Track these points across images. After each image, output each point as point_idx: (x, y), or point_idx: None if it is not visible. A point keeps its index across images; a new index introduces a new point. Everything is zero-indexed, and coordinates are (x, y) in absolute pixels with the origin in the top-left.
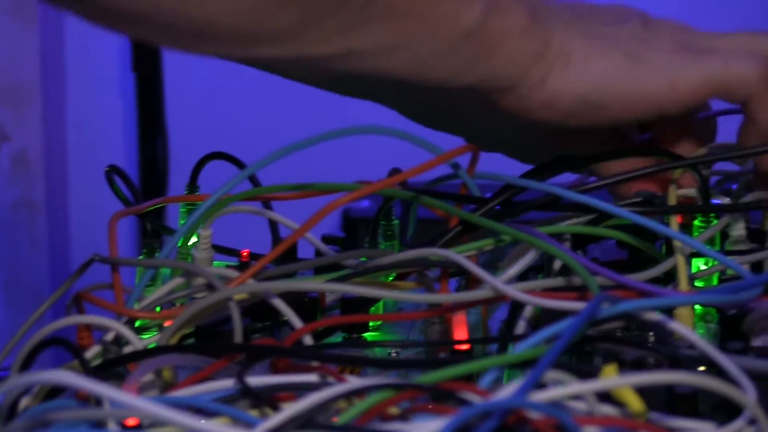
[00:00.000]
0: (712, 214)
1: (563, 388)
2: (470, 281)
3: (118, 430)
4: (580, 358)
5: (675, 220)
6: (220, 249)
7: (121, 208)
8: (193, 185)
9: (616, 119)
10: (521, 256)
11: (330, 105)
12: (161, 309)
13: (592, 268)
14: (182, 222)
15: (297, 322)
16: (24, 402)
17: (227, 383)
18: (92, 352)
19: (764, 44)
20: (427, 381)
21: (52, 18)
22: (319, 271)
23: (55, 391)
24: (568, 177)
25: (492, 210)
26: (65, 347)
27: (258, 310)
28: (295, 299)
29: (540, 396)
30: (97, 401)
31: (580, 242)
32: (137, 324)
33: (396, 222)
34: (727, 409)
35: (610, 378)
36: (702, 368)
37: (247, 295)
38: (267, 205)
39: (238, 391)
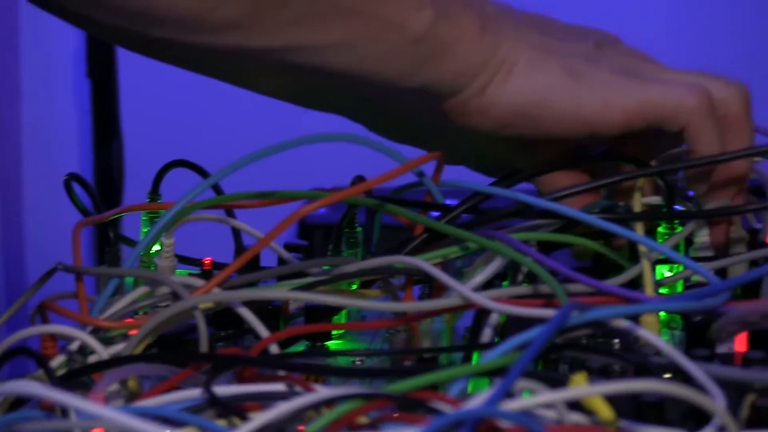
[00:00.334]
0: (676, 221)
1: (534, 396)
2: (434, 289)
3: None
4: (545, 365)
5: (641, 227)
6: (181, 258)
7: (78, 216)
8: (155, 193)
9: (549, 134)
10: (487, 263)
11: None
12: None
13: (566, 275)
14: (144, 230)
15: (263, 331)
16: None
17: (194, 393)
18: (57, 362)
19: (709, 81)
20: (397, 390)
21: (5, 24)
22: (282, 279)
23: (17, 402)
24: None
25: (458, 218)
26: (30, 357)
27: (220, 319)
28: (258, 308)
29: (511, 405)
30: (64, 412)
31: (546, 250)
32: (102, 334)
33: (359, 230)
34: (696, 417)
35: (581, 387)
36: (668, 375)
37: (213, 303)
38: (230, 213)
39: (205, 400)
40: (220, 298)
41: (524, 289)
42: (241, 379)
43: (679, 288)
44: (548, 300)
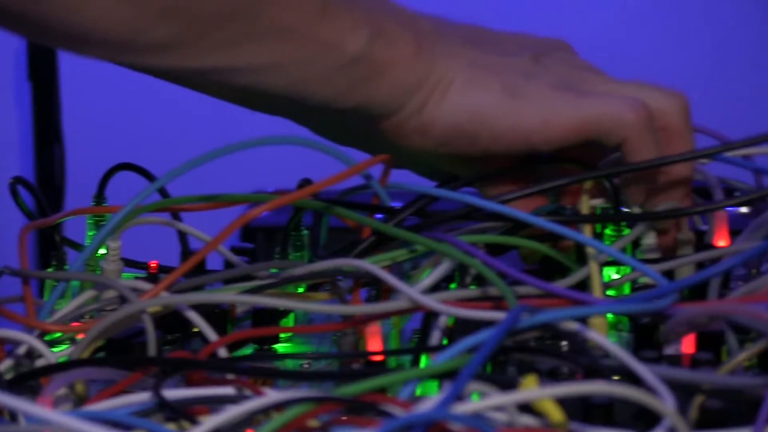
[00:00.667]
0: (623, 224)
1: (486, 399)
2: (381, 291)
3: None
4: (494, 367)
5: (588, 229)
6: (126, 261)
7: (22, 220)
8: (100, 196)
9: (487, 150)
10: (435, 265)
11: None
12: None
13: (514, 277)
14: (90, 233)
15: (211, 335)
16: None
17: (143, 397)
18: (4, 366)
19: (647, 93)
20: (347, 393)
21: None
22: (229, 282)
23: None
24: None
25: (406, 220)
26: None
27: (167, 322)
28: (205, 311)
29: (462, 408)
30: (12, 416)
31: (494, 252)
32: (48, 337)
33: (305, 233)
34: (646, 419)
35: (533, 389)
36: (616, 377)
37: (161, 307)
38: (175, 216)
39: (154, 404)
40: (169, 302)
41: (473, 291)
42: (189, 383)
43: (626, 290)
44: (497, 302)
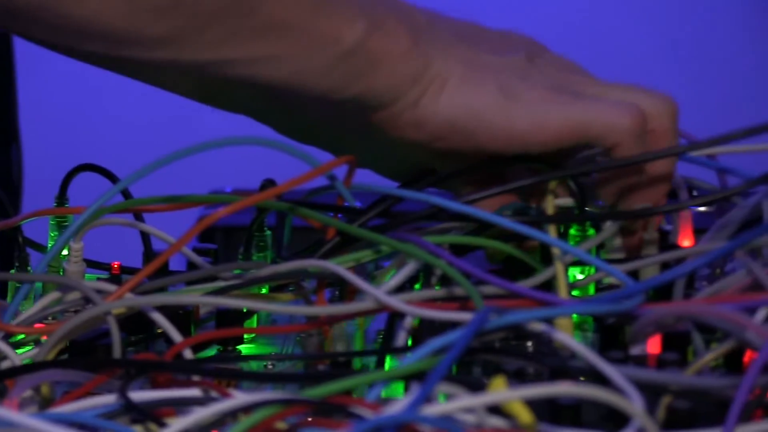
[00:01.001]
0: (587, 224)
1: (455, 401)
2: (346, 292)
3: None
4: (459, 368)
5: (554, 230)
6: (88, 262)
7: None
8: (62, 197)
9: (481, 148)
10: (399, 266)
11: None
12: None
13: (480, 277)
14: (53, 234)
15: (176, 336)
16: None
17: (109, 399)
18: None
19: (639, 96)
20: (315, 395)
21: None
22: (192, 283)
23: None
24: None
25: (371, 221)
26: None
27: (130, 324)
28: (168, 312)
29: (431, 410)
30: None
31: (458, 253)
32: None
33: (268, 233)
34: (614, 419)
35: (503, 391)
36: (582, 378)
37: (125, 309)
38: (138, 216)
39: (121, 406)
40: (134, 304)
41: (438, 292)
42: (154, 385)
43: (591, 290)
44: (463, 303)
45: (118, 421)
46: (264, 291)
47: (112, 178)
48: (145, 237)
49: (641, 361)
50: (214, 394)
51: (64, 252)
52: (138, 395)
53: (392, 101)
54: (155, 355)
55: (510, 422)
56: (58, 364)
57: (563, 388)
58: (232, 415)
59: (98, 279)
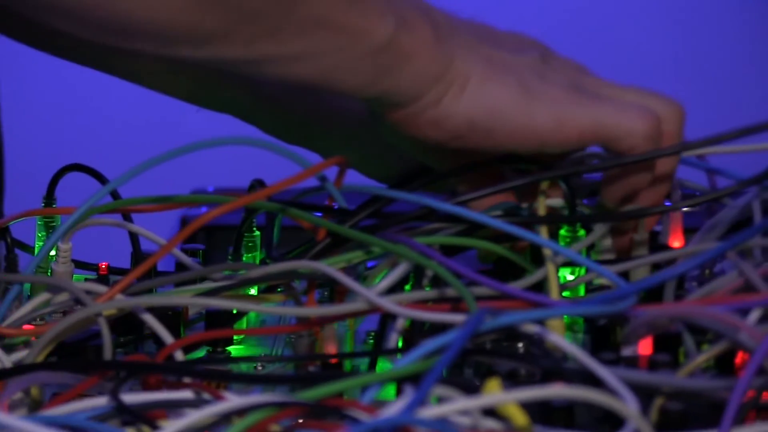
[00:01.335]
0: (578, 224)
1: (450, 403)
2: (336, 293)
3: None
4: (450, 370)
5: (545, 230)
6: (76, 262)
7: None
8: (50, 198)
9: (500, 147)
10: (390, 267)
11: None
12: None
13: (471, 278)
14: (40, 235)
15: (167, 338)
16: None
17: (100, 401)
18: None
19: (652, 101)
20: (309, 397)
21: None
22: (182, 284)
23: None
24: None
25: (361, 221)
26: None
27: (119, 325)
28: (158, 314)
29: (427, 412)
30: None
31: (449, 254)
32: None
33: (257, 234)
34: (608, 421)
35: (499, 393)
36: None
37: (116, 310)
38: (126, 217)
39: (112, 408)
40: (126, 305)
41: (430, 293)
42: (145, 386)
43: (581, 291)
44: (455, 304)
45: (109, 424)
46: (254, 291)
47: (100, 178)
48: (134, 237)
49: (633, 362)
50: (206, 396)
51: (52, 252)
52: (129, 397)
53: (414, 99)
54: (145, 356)
55: (505, 424)
56: (48, 365)
57: (559, 390)
58: (226, 417)
59: (86, 280)
